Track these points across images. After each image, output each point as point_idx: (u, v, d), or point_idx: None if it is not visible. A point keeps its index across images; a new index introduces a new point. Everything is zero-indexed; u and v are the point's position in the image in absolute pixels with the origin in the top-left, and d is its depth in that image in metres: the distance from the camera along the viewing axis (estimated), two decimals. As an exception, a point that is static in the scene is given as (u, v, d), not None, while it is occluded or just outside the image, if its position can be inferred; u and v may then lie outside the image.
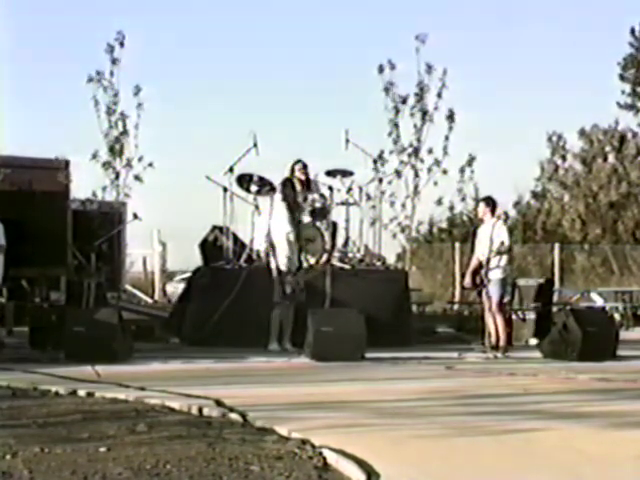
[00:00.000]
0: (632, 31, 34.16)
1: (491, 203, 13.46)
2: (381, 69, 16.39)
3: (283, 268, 13.35)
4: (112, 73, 15.58)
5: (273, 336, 13.13)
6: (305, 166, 14.64)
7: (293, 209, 13.95)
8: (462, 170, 16.63)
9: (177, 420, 7.18)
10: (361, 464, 5.57)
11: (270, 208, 13.75)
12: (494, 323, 13.03)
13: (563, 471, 5.66)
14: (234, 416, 7.25)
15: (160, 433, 6.57)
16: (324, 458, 5.79)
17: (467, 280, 13.32)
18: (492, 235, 12.99)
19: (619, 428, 6.98)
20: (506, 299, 13.20)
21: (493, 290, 12.98)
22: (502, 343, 12.93)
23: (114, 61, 15.51)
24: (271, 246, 13.46)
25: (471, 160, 16.66)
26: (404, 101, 16.39)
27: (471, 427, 6.90)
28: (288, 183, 14.28)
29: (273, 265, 13.38)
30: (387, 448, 6.19)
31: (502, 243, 12.89)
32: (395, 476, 5.48)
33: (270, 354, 12.39)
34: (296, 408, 7.75)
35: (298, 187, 14.42)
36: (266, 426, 6.78)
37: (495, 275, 13.01)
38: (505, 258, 13.05)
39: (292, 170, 14.62)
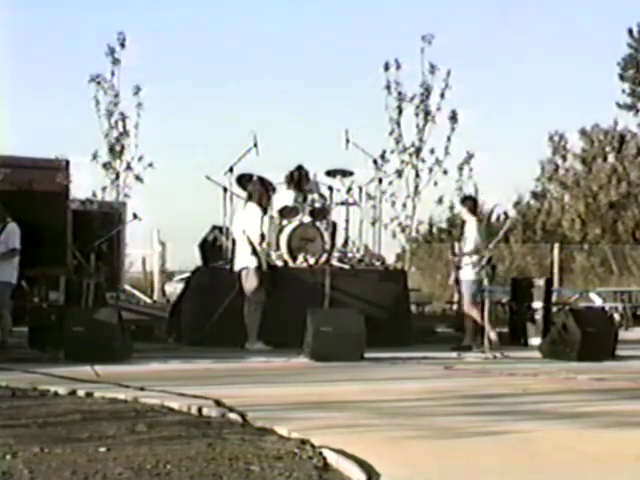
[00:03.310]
0: (630, 32, 34.21)
1: (469, 203, 13.71)
2: (387, 67, 16.39)
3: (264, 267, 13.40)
4: (113, 73, 15.59)
5: (255, 336, 13.12)
6: (307, 173, 14.64)
7: (266, 209, 13.91)
8: (461, 168, 16.62)
9: (177, 420, 7.19)
10: (361, 464, 5.57)
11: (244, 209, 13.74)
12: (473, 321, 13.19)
13: (563, 471, 5.66)
14: (234, 416, 7.24)
15: (160, 433, 6.58)
16: (324, 458, 5.79)
17: (452, 278, 13.64)
18: (465, 235, 13.28)
19: (619, 428, 6.99)
20: (479, 299, 13.33)
21: (464, 289, 13.21)
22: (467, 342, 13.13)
23: (115, 61, 15.51)
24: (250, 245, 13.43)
25: (469, 157, 16.65)
26: (411, 100, 16.38)
27: (471, 427, 6.90)
28: (257, 182, 14.18)
29: (255, 264, 13.35)
30: (387, 448, 6.19)
31: (458, 248, 13.37)
32: (395, 476, 5.48)
33: (270, 354, 12.36)
34: (296, 408, 7.75)
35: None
36: (266, 426, 6.78)
37: (465, 275, 13.22)
38: (476, 258, 13.18)
39: (292, 176, 14.60)
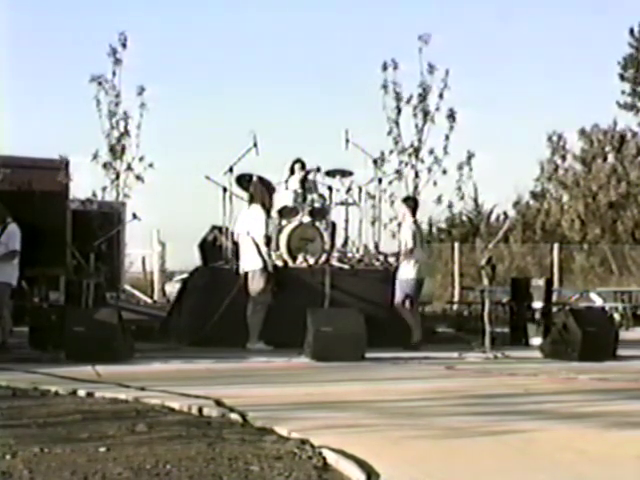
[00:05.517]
0: (631, 31, 34.22)
1: (410, 203, 13.91)
2: (385, 67, 16.37)
3: (270, 268, 13.38)
4: (114, 73, 15.59)
5: (256, 336, 13.11)
6: (304, 165, 14.66)
7: (268, 209, 13.88)
8: (460, 167, 16.60)
9: (177, 420, 7.19)
10: (361, 464, 5.57)
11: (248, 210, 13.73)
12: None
13: (563, 471, 5.66)
14: (234, 416, 7.25)
15: (160, 433, 6.58)
16: (324, 458, 5.79)
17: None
18: (400, 236, 13.71)
19: (619, 428, 6.99)
20: (408, 298, 13.44)
21: (397, 289, 13.43)
22: (415, 339, 13.25)
23: (116, 62, 15.51)
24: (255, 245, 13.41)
25: (470, 157, 16.64)
26: (408, 101, 16.37)
27: (471, 427, 6.90)
28: (259, 182, 14.15)
29: (258, 265, 13.32)
30: (387, 448, 6.19)
31: (406, 245, 13.48)
32: (395, 476, 5.48)
33: (270, 354, 12.35)
34: (296, 408, 7.75)
35: (294, 187, 14.48)
36: (266, 426, 6.78)
37: (400, 275, 13.44)
38: (409, 259, 13.41)
39: (292, 169, 14.64)
